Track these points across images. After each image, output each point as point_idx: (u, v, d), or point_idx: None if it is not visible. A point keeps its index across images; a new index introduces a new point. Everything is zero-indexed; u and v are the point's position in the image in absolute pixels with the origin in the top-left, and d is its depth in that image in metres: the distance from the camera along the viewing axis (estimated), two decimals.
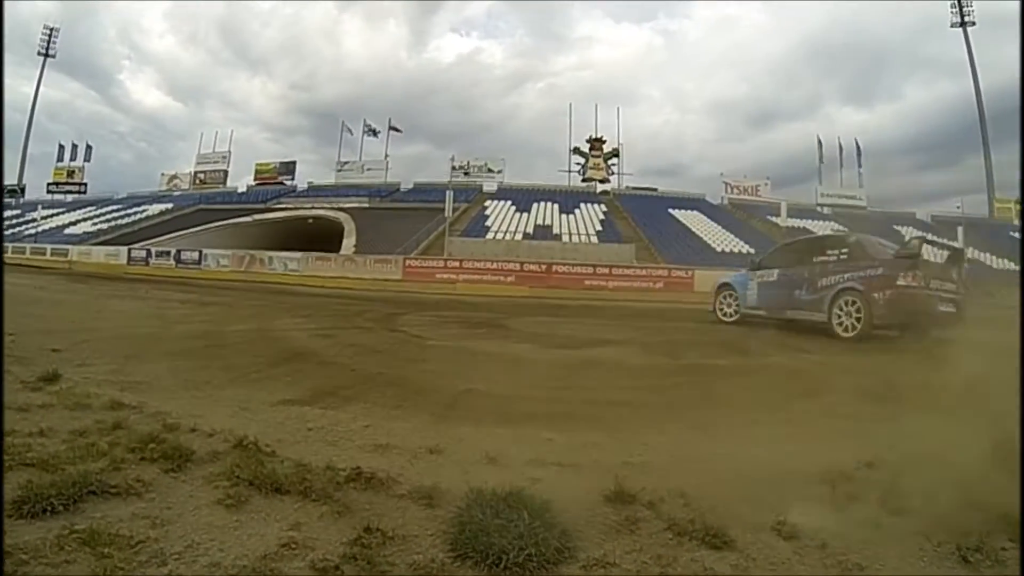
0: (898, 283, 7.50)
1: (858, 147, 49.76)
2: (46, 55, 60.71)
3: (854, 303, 7.83)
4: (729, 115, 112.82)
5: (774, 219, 37.72)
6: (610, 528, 2.08)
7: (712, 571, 1.81)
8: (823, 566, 1.86)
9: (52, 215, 48.40)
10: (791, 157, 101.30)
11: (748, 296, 9.88)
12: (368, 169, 52.08)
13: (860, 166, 49.57)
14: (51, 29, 61.40)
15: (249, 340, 7.39)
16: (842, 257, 8.50)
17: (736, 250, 34.48)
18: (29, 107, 59.91)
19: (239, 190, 52.85)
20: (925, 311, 7.50)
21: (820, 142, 50.70)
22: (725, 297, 10.43)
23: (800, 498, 2.30)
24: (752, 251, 30.99)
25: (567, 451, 3.03)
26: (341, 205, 43.67)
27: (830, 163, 49.90)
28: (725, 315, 10.28)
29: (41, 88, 61.48)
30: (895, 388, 4.78)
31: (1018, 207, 42.54)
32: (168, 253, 29.51)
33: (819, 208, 46.09)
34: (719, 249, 35.06)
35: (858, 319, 7.77)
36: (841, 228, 36.25)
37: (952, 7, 49.62)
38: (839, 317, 8.02)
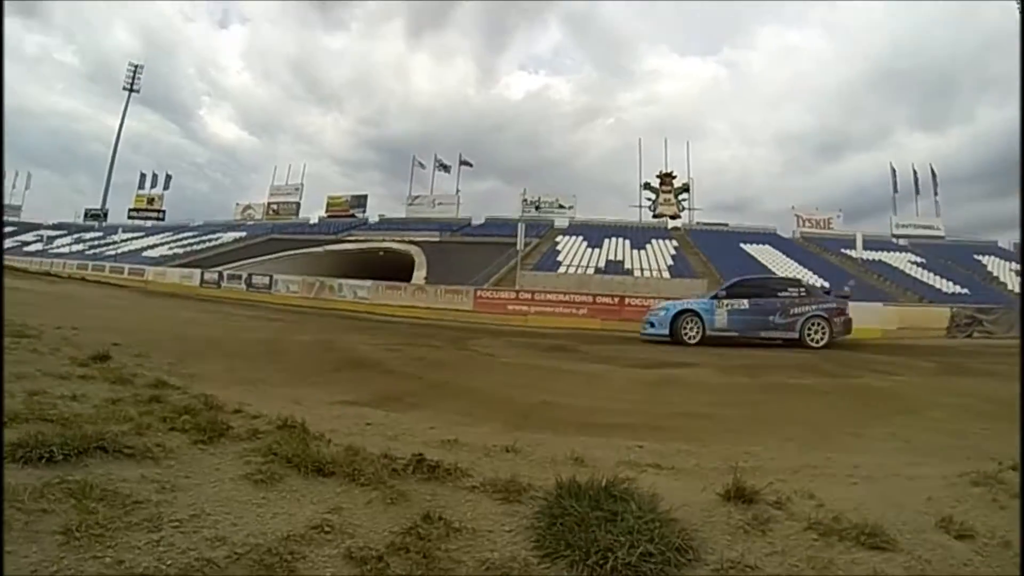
0: (845, 313, 12.48)
1: (933, 174, 47.01)
2: (131, 90, 65.31)
3: (821, 325, 11.97)
4: (796, 147, 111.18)
5: (849, 252, 37.06)
6: (736, 528, 1.79)
7: (884, 574, 1.53)
8: (1013, 566, 1.60)
9: (131, 238, 51.94)
10: (862, 188, 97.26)
11: (716, 320, 12.22)
12: (439, 204, 52.98)
13: (936, 194, 46.84)
14: (135, 66, 66.30)
15: (312, 349, 7.26)
16: (802, 294, 12.58)
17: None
18: (114, 138, 65.09)
19: (311, 221, 54.83)
20: (851, 328, 12.63)
21: (894, 170, 48.53)
22: (687, 322, 12.30)
23: (954, 499, 2.13)
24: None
25: (660, 456, 2.75)
26: (412, 238, 44.47)
27: (904, 192, 47.64)
28: (689, 337, 12.10)
29: (125, 121, 66.57)
30: (999, 406, 4.60)
31: None
32: (239, 277, 30.67)
33: (895, 239, 44.14)
34: None
35: (823, 335, 11.87)
36: (919, 259, 36.19)
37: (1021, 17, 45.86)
38: (811, 334, 11.89)
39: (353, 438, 2.68)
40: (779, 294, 12.56)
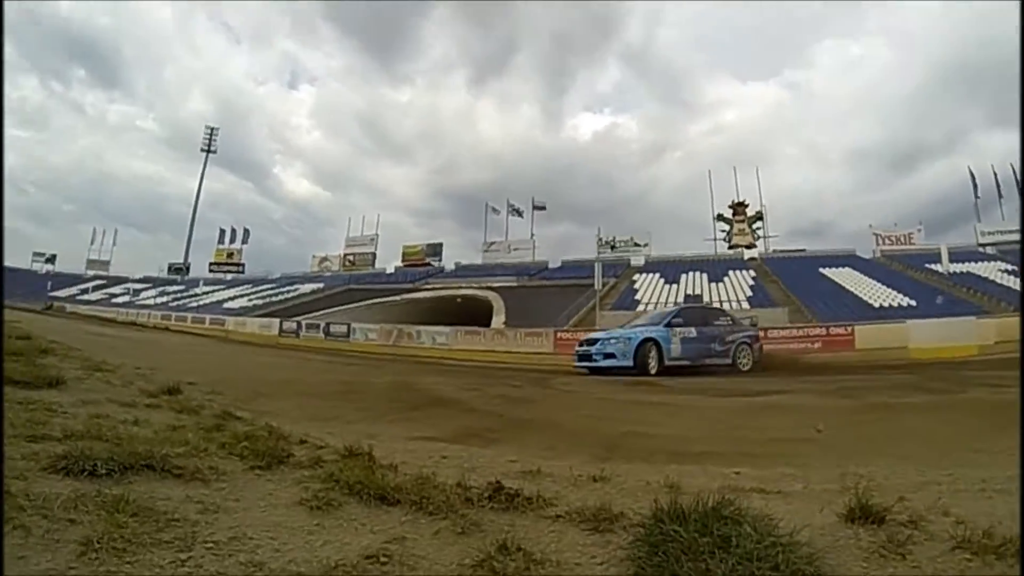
0: (759, 340, 14.02)
1: (1015, 174, 43.43)
2: (208, 151, 70.34)
3: (746, 351, 13.03)
4: (868, 163, 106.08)
5: (935, 267, 35.57)
6: (870, 551, 1.58)
7: None
8: None
9: (212, 290, 55.19)
10: (942, 197, 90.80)
11: (672, 349, 12.09)
12: (515, 249, 53.88)
13: (1021, 195, 43.19)
14: (211, 129, 71.34)
15: (390, 390, 7.16)
16: (731, 323, 13.79)
17: (896, 303, 32.19)
18: (194, 197, 70.06)
19: (387, 271, 56.62)
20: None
21: (973, 175, 46.13)
22: (649, 351, 11.83)
23: None
24: (914, 304, 30.30)
25: (761, 481, 2.49)
26: (489, 284, 45.04)
27: (987, 197, 45.17)
28: (651, 367, 11.65)
29: (204, 181, 71.47)
30: None
31: None
32: (317, 326, 31.77)
33: (981, 248, 41.62)
34: (876, 305, 32.78)
35: (748, 360, 12.89)
36: (1010, 266, 34.33)
37: None
38: (741, 360, 12.82)
39: (425, 469, 2.47)
40: (715, 322, 13.38)
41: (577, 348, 13.02)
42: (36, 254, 65.53)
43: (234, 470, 2.03)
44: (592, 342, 12.39)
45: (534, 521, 1.74)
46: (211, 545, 1.30)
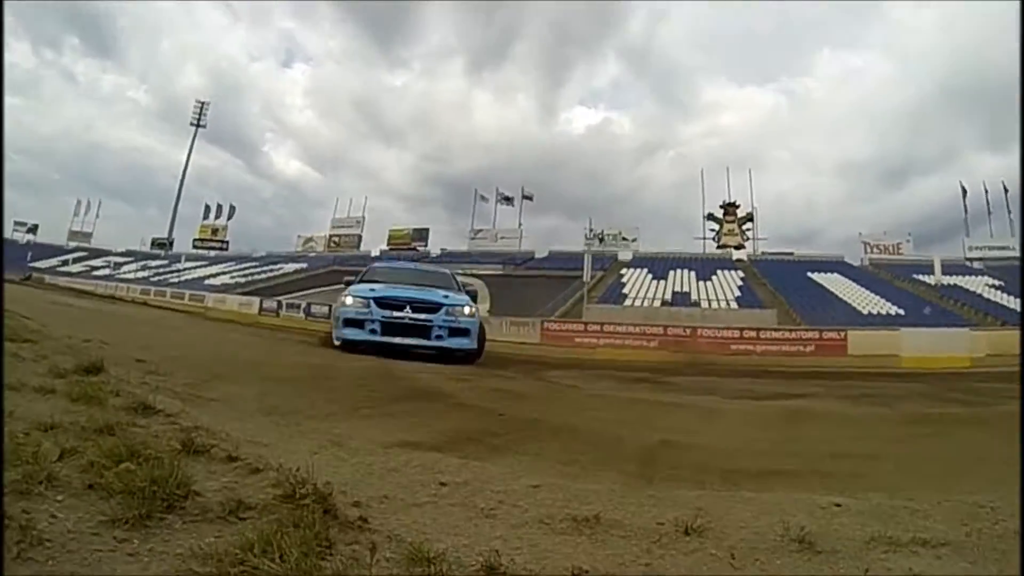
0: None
1: (1006, 191, 44.25)
2: (197, 125, 67.83)
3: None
4: (860, 175, 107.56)
5: (923, 277, 36.07)
6: None
7: None
8: None
9: (195, 267, 53.63)
10: (931, 213, 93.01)
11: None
12: (502, 237, 53.06)
13: (1010, 213, 44.39)
14: (202, 103, 68.80)
15: (367, 376, 6.15)
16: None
17: (884, 311, 32.45)
18: (181, 171, 67.66)
19: (372, 254, 54.43)
20: None
21: (964, 190, 46.86)
22: None
23: None
24: (902, 312, 30.57)
25: (886, 520, 1.81)
26: (474, 271, 44.15)
27: (976, 213, 45.99)
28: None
29: (193, 156, 69.41)
30: None
31: None
32: (298, 306, 30.64)
33: (969, 263, 42.27)
34: (865, 312, 33.09)
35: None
36: (997, 281, 34.87)
37: None
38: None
39: (417, 513, 1.57)
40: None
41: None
42: (17, 223, 63.21)
43: (69, 531, 1.08)
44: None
45: None
46: None
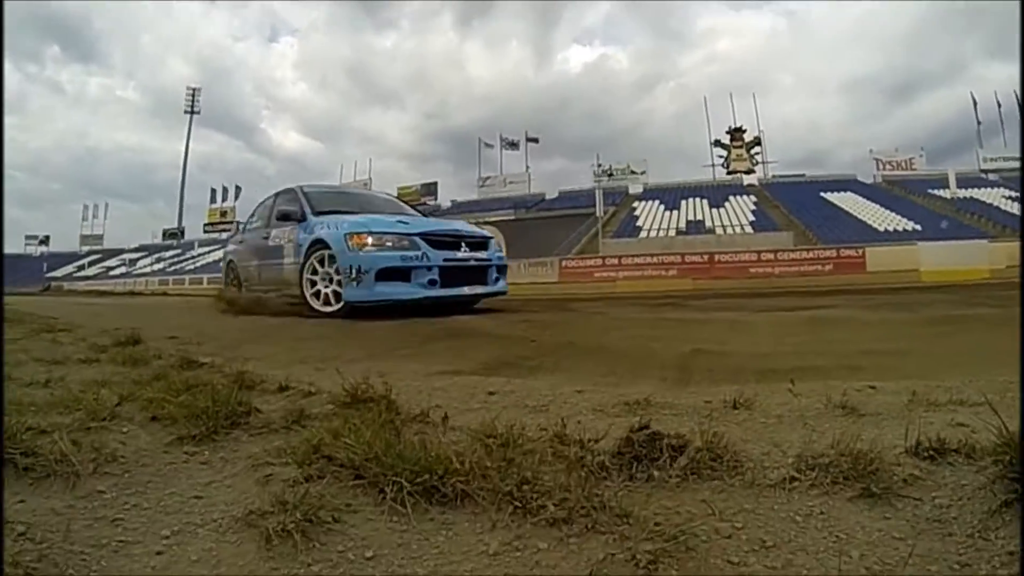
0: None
1: (1019, 102, 42.26)
2: (191, 112, 68.07)
3: None
4: (866, 93, 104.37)
5: (940, 192, 35.53)
6: None
7: None
8: None
9: (208, 251, 54.28)
10: (941, 126, 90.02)
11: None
12: (510, 183, 52.93)
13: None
14: (193, 89, 69.01)
15: (396, 326, 6.20)
16: None
17: (900, 228, 32.25)
18: (182, 161, 67.95)
19: None
20: None
21: (975, 101, 45.80)
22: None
23: None
24: (919, 228, 30.34)
25: (916, 395, 1.78)
26: (487, 219, 44.14)
27: (989, 125, 45.49)
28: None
29: (192, 143, 69.00)
30: None
31: None
32: None
33: (984, 175, 41.48)
34: (881, 229, 32.94)
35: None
36: (1013, 192, 34.05)
37: None
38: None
39: (476, 414, 1.59)
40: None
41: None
42: (28, 237, 64.81)
43: (142, 450, 1.10)
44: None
45: (754, 495, 0.93)
46: None
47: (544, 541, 0.81)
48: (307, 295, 6.26)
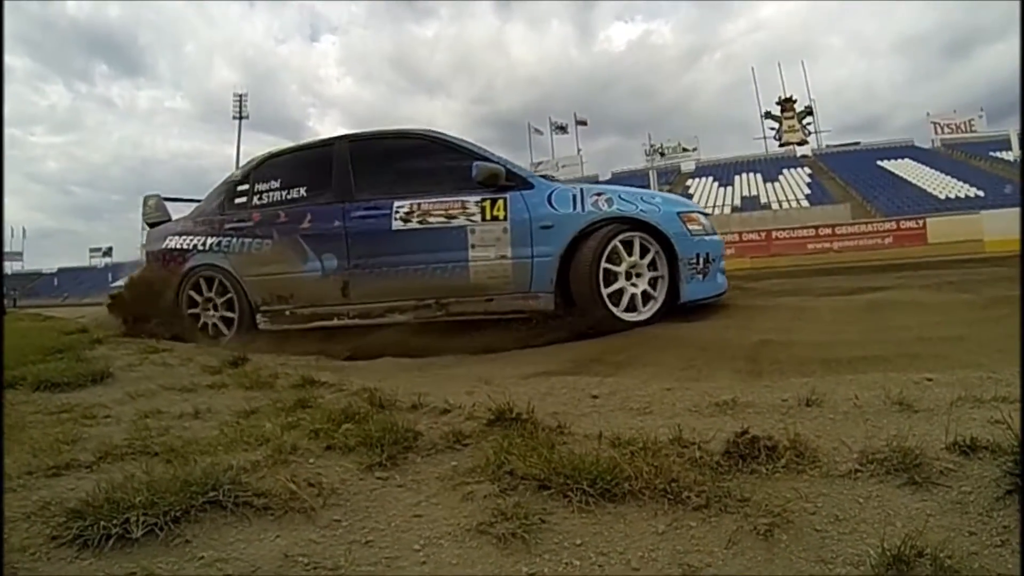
0: None
1: (1021, 100, 40.17)
2: (240, 117, 68.88)
3: None
4: (920, 50, 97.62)
5: (1003, 155, 34.24)
6: None
7: None
8: None
9: None
10: (1001, 84, 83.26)
11: None
12: (563, 166, 52.53)
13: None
14: (240, 95, 69.62)
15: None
16: None
17: (963, 194, 31.22)
18: (234, 165, 69.09)
19: None
20: None
21: None
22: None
23: None
24: (982, 194, 29.47)
25: (972, 387, 2.01)
26: None
27: None
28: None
29: (242, 147, 70.54)
30: None
31: None
32: None
33: None
34: (942, 196, 32.00)
35: None
36: None
37: None
38: None
39: (588, 420, 1.85)
40: None
41: None
42: (92, 250, 67.24)
43: (344, 480, 1.36)
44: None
45: (828, 483, 1.27)
46: None
47: (693, 521, 1.11)
48: (602, 296, 4.25)
